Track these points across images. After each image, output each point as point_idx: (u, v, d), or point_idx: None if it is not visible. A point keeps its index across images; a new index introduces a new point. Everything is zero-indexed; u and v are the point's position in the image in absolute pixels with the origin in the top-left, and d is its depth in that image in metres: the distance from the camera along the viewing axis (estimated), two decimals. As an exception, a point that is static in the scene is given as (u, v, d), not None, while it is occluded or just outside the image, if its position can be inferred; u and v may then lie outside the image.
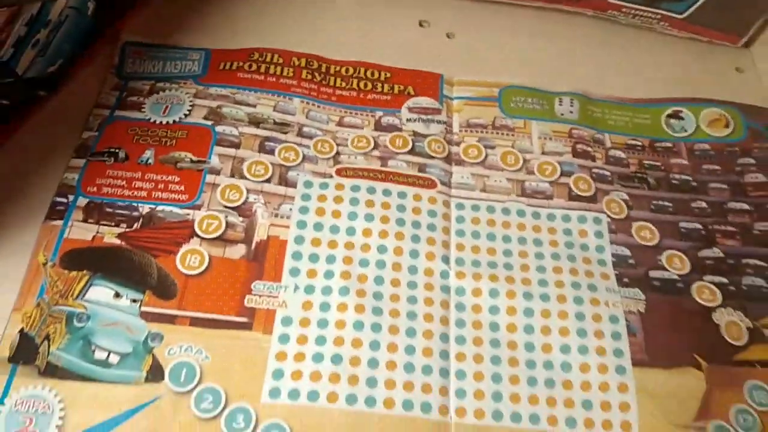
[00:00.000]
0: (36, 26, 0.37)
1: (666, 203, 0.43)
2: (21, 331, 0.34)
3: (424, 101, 0.46)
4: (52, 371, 0.33)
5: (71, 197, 0.39)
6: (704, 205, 0.43)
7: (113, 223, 0.38)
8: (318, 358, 0.35)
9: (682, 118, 0.47)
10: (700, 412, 0.36)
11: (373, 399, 0.34)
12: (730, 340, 0.38)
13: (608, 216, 0.42)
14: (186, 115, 0.42)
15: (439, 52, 0.49)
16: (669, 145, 0.46)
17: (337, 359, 0.35)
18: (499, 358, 0.36)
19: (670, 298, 0.39)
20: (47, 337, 0.34)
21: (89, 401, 0.33)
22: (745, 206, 0.44)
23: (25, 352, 0.34)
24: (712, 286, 0.40)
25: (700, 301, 0.39)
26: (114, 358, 0.34)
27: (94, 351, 0.34)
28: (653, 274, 0.40)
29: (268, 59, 0.46)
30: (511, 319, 0.38)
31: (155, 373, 0.34)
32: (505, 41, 0.51)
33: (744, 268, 0.41)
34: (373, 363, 0.35)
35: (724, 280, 0.40)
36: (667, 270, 0.40)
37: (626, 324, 0.38)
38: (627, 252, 0.41)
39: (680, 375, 0.37)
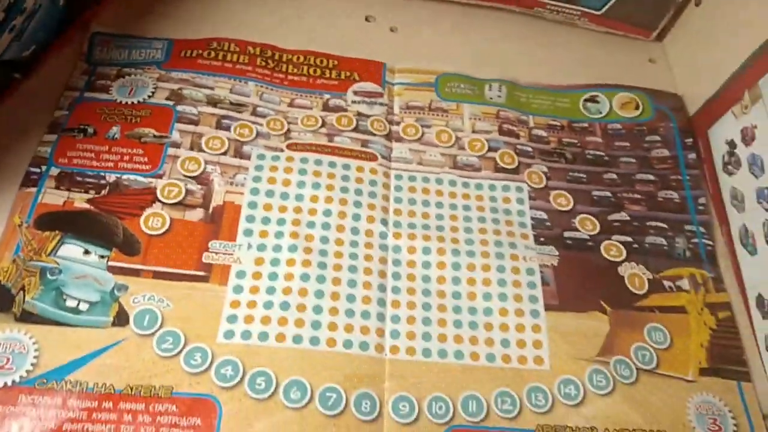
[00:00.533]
0: (13, 13, 0.41)
1: (581, 175, 0.49)
2: (-2, 283, 0.38)
3: (368, 86, 0.51)
4: (27, 317, 0.37)
5: (44, 167, 0.43)
6: (615, 176, 0.49)
7: (83, 190, 0.42)
8: (268, 305, 0.40)
9: (597, 102, 0.53)
10: (603, 348, 0.41)
11: (317, 339, 0.39)
12: (632, 290, 0.44)
13: (529, 185, 0.47)
14: (150, 96, 0.47)
15: (383, 43, 0.54)
16: (585, 125, 0.52)
17: (285, 306, 0.40)
18: (430, 305, 0.41)
19: (580, 254, 0.45)
20: (23, 288, 0.38)
21: (61, 343, 0.37)
22: (651, 177, 0.49)
23: (2, 300, 0.37)
24: (619, 244, 0.45)
25: (607, 257, 0.45)
26: (83, 306, 0.38)
27: (65, 300, 0.38)
28: (567, 234, 0.46)
29: (226, 48, 0.51)
30: (441, 272, 0.43)
31: (121, 319, 0.38)
32: (442, 34, 0.56)
33: (648, 229, 0.47)
34: (317, 309, 0.40)
35: (629, 239, 0.46)
36: (579, 231, 0.46)
37: (541, 275, 0.43)
38: (545, 216, 0.46)
39: (587, 318, 0.42)
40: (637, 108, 0.53)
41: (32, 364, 0.36)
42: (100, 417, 0.35)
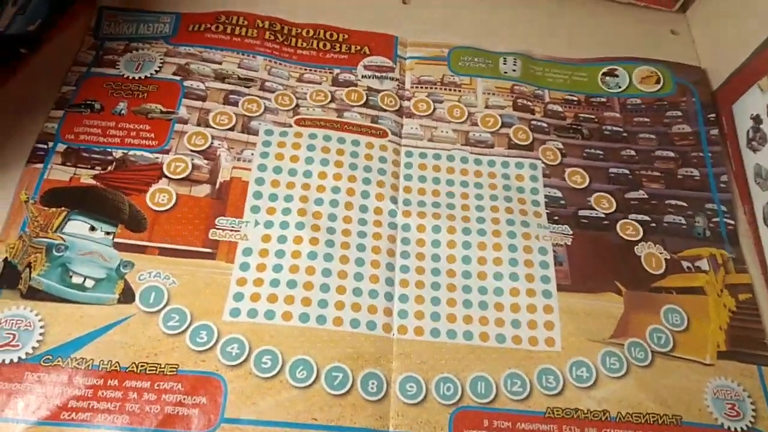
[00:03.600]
0: (15, -15, 0.40)
1: (598, 151, 0.47)
2: (5, 260, 0.38)
3: (379, 60, 0.50)
4: (33, 294, 0.37)
5: (51, 144, 0.42)
6: (633, 153, 0.48)
7: (89, 166, 0.42)
8: (275, 283, 0.39)
9: (616, 76, 0.51)
10: (617, 330, 0.40)
11: (324, 317, 0.38)
12: (649, 270, 0.42)
13: (543, 162, 0.46)
14: (157, 71, 0.46)
15: (395, 16, 0.53)
16: (603, 100, 0.50)
17: (292, 284, 0.39)
18: (439, 284, 0.40)
19: (595, 234, 0.44)
20: (29, 265, 0.38)
21: (67, 320, 0.37)
22: (671, 154, 0.48)
23: (8, 277, 0.37)
24: (635, 223, 0.44)
25: (623, 236, 0.44)
26: (89, 283, 0.38)
27: (71, 276, 0.38)
28: (582, 212, 0.44)
29: (234, 21, 0.49)
30: (450, 251, 0.42)
31: (127, 296, 0.38)
32: (456, 6, 0.54)
33: (666, 207, 0.45)
34: (324, 288, 0.39)
35: (647, 218, 0.44)
36: (594, 209, 0.44)
37: (554, 255, 0.42)
38: (559, 194, 0.45)
39: (601, 299, 0.41)
40: (657, 82, 0.51)
41: (38, 341, 0.36)
42: (106, 394, 0.35)
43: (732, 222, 0.45)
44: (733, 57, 0.49)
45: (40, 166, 0.41)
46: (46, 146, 0.42)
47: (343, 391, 0.36)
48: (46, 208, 0.40)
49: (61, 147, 0.42)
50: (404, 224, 0.43)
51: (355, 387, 0.36)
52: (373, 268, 0.40)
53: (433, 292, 0.40)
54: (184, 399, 0.35)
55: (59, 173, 0.41)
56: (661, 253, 0.43)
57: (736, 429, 0.37)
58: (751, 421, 0.38)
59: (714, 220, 0.45)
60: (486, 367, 0.38)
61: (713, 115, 0.49)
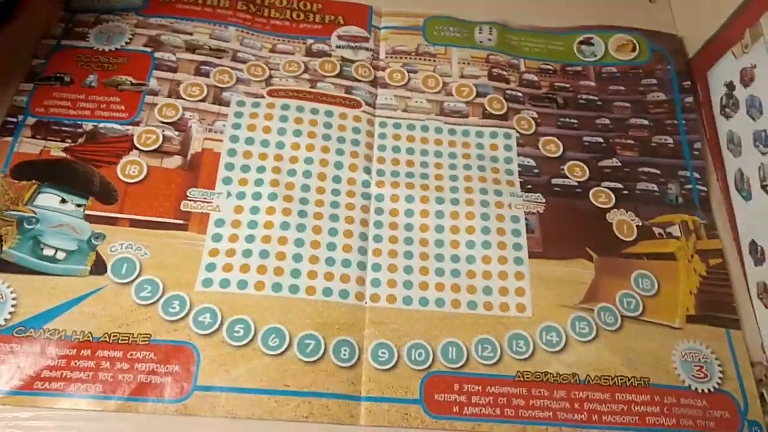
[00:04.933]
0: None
1: (572, 120, 0.47)
2: (-24, 233, 0.38)
3: (353, 30, 0.49)
4: (5, 267, 0.37)
5: (20, 117, 0.42)
6: (607, 121, 0.48)
7: (59, 139, 0.41)
8: (247, 253, 0.39)
9: (592, 44, 0.51)
10: (587, 296, 0.40)
11: (297, 287, 0.38)
12: (620, 236, 0.43)
13: (518, 132, 0.46)
14: (127, 43, 0.46)
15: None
16: (579, 68, 0.50)
17: (264, 254, 0.39)
18: (412, 253, 0.41)
19: (568, 201, 0.44)
20: (0, 238, 0.38)
21: (39, 291, 0.37)
22: (645, 122, 0.48)
23: (-21, 250, 0.37)
24: (608, 191, 0.44)
25: (596, 203, 0.44)
26: (61, 255, 0.38)
27: (42, 249, 0.38)
28: (555, 181, 0.44)
29: (206, -8, 0.49)
30: (424, 220, 0.42)
31: (99, 267, 0.38)
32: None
33: (639, 175, 0.45)
34: (297, 257, 0.39)
35: (620, 186, 0.45)
36: (568, 177, 0.45)
37: (526, 223, 0.42)
38: (532, 163, 0.45)
39: (572, 265, 0.41)
40: (633, 50, 0.51)
41: (10, 313, 0.36)
42: (79, 364, 0.35)
43: (704, 188, 0.45)
44: (709, 24, 0.49)
45: (9, 139, 0.41)
46: (15, 120, 0.42)
47: (315, 358, 0.36)
48: (16, 182, 0.40)
49: (30, 120, 0.42)
50: (378, 194, 0.43)
51: (328, 354, 0.37)
52: (346, 238, 0.41)
53: (405, 260, 0.40)
54: (156, 368, 0.35)
55: (29, 146, 0.41)
56: (632, 220, 0.43)
57: (702, 390, 0.38)
58: (718, 383, 0.38)
59: (687, 186, 0.45)
60: (457, 333, 0.38)
61: (688, 82, 0.49)
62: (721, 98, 0.46)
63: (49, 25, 0.46)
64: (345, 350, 0.37)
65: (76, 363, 0.35)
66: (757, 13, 0.43)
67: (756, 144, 0.42)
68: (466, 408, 0.36)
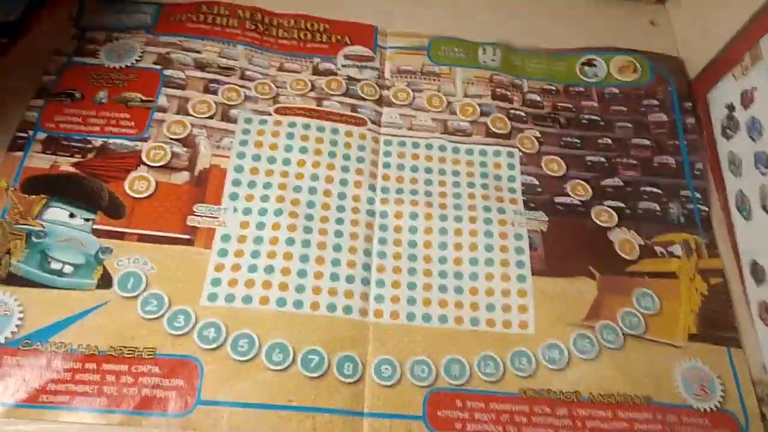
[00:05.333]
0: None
1: (575, 140, 0.48)
2: (-15, 246, 0.38)
3: (359, 49, 0.50)
4: (12, 280, 0.37)
5: (31, 132, 0.43)
6: (609, 141, 0.48)
7: (69, 154, 0.42)
8: (252, 269, 0.40)
9: (594, 65, 0.52)
10: (590, 313, 0.41)
11: (301, 302, 0.39)
12: (622, 255, 0.43)
13: (521, 150, 0.47)
14: (137, 61, 0.46)
15: (375, 6, 0.53)
16: (582, 89, 0.51)
17: (269, 270, 0.40)
18: (415, 269, 0.41)
19: (571, 220, 0.44)
20: (8, 252, 0.38)
21: (46, 305, 0.37)
22: (647, 142, 0.48)
23: (-12, 263, 0.38)
24: (610, 210, 0.45)
25: (598, 222, 0.44)
26: (68, 269, 0.38)
27: (50, 262, 0.38)
28: (558, 200, 0.45)
29: (215, 11, 0.50)
30: (427, 237, 0.42)
31: (105, 281, 0.38)
32: (437, -3, 0.55)
33: (641, 194, 0.46)
34: (302, 273, 0.40)
35: (621, 205, 0.45)
36: (570, 196, 0.45)
37: (529, 240, 0.43)
38: (535, 181, 0.45)
39: (575, 283, 0.42)
40: (635, 71, 0.51)
41: (17, 326, 0.36)
42: (84, 377, 0.35)
43: (706, 208, 0.46)
44: (710, 46, 0.49)
45: (20, 154, 0.42)
46: (26, 135, 0.42)
47: (319, 374, 0.37)
48: (26, 195, 0.40)
49: (41, 135, 0.43)
50: (382, 211, 0.43)
51: (331, 369, 0.37)
52: (350, 254, 0.41)
53: (409, 277, 0.41)
54: (161, 381, 0.36)
55: (39, 161, 0.42)
56: (635, 239, 0.44)
57: (704, 409, 0.38)
58: (719, 401, 0.38)
59: (688, 206, 0.46)
60: (460, 350, 0.38)
61: (689, 104, 0.50)
62: (722, 119, 0.47)
63: (60, 43, 0.47)
64: (349, 366, 0.37)
65: (81, 376, 0.35)
66: (756, 35, 0.44)
67: (757, 165, 0.43)
68: (468, 424, 0.36)
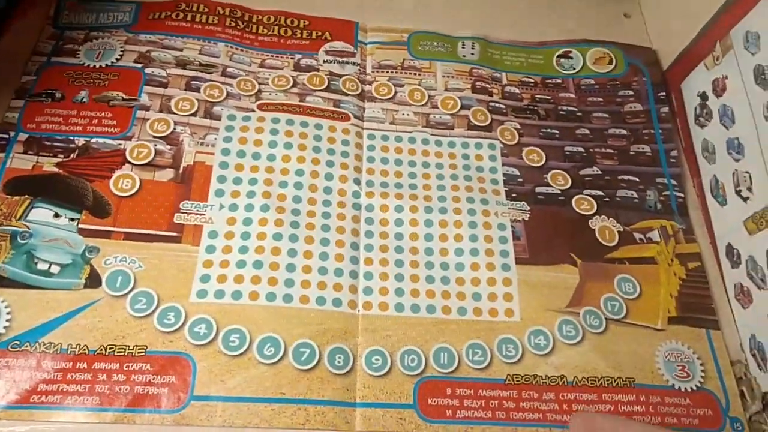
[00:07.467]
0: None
1: (554, 131, 0.49)
2: (-31, 248, 0.38)
3: (340, 45, 0.50)
4: (-1, 281, 0.37)
5: (12, 133, 0.42)
6: (587, 131, 0.49)
7: (51, 154, 0.42)
8: (241, 264, 0.40)
9: (571, 58, 0.53)
10: (573, 300, 0.42)
11: (290, 296, 0.39)
12: (603, 242, 0.44)
13: (501, 142, 0.47)
14: (118, 59, 0.46)
15: (355, 1, 0.54)
16: (559, 81, 0.52)
17: (258, 265, 0.40)
18: (402, 261, 0.42)
19: (552, 209, 0.45)
20: (-7, 253, 0.38)
21: (34, 305, 0.37)
22: (623, 131, 0.49)
23: (-27, 265, 0.38)
24: (590, 198, 0.46)
25: (578, 210, 0.45)
26: (55, 269, 0.38)
27: (36, 263, 0.38)
28: (539, 189, 0.46)
29: (195, 9, 0.50)
30: (413, 229, 0.43)
31: (93, 281, 0.38)
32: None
33: (619, 182, 0.47)
34: (290, 267, 0.40)
35: (601, 193, 0.46)
36: (551, 186, 0.46)
37: (512, 230, 0.43)
38: (517, 172, 0.46)
39: (558, 271, 0.43)
40: (610, 63, 0.53)
41: (5, 327, 0.36)
42: (75, 377, 0.35)
43: (682, 195, 0.47)
44: (682, 37, 0.50)
45: (1, 155, 0.41)
46: (7, 136, 0.42)
47: (310, 366, 0.37)
48: (9, 197, 0.40)
49: (22, 136, 0.42)
50: (368, 204, 0.44)
51: (322, 362, 0.37)
52: (337, 248, 0.41)
53: (396, 269, 0.41)
54: (153, 379, 0.36)
55: (21, 162, 0.41)
56: (614, 226, 0.45)
57: (685, 389, 0.39)
58: (700, 381, 0.40)
59: (665, 193, 0.47)
60: (448, 339, 0.39)
61: (663, 93, 0.51)
62: (695, 108, 0.48)
63: (39, 42, 0.47)
64: (339, 357, 0.38)
65: (72, 376, 0.35)
66: (727, 26, 0.45)
67: (729, 151, 0.44)
68: (458, 411, 0.37)
